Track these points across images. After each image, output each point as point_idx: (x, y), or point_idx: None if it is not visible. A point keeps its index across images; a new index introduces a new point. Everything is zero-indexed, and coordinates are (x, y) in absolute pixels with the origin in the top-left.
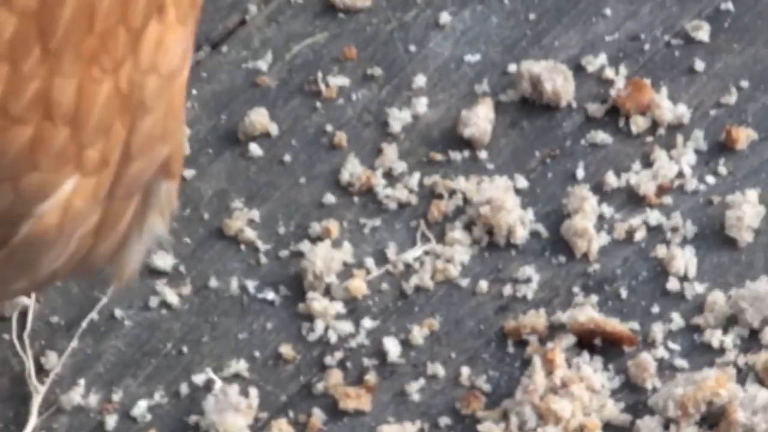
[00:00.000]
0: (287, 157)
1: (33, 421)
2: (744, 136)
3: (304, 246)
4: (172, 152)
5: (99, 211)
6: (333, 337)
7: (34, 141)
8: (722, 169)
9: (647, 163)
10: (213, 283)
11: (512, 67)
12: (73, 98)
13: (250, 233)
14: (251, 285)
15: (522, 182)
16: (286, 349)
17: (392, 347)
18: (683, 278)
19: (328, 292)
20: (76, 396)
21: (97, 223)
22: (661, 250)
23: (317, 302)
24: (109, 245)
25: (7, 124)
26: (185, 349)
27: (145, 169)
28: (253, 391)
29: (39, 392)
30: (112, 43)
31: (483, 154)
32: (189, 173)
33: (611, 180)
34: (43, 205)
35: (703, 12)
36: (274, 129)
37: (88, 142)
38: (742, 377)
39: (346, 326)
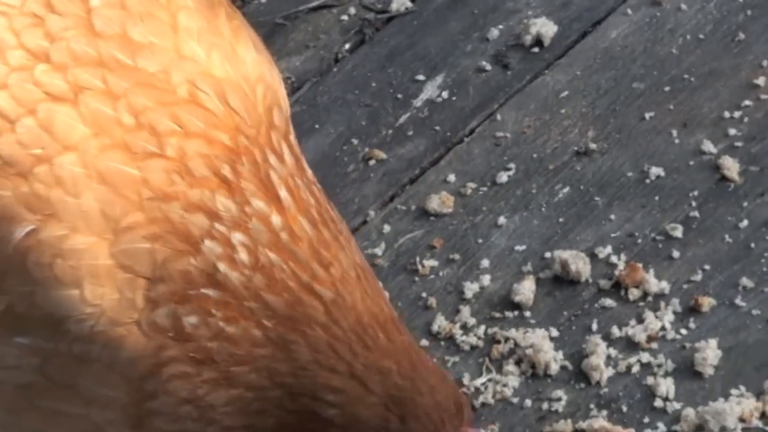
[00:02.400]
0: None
1: None
2: (706, 302)
3: None
4: None
5: None
6: None
7: None
8: (692, 325)
9: (640, 321)
10: None
11: (548, 254)
12: None
13: None
14: None
15: (555, 333)
16: None
17: None
18: (665, 399)
19: None
20: None
21: None
22: (650, 380)
23: None
24: None
25: None
26: None
27: None
28: None
29: None
30: None
31: (527, 314)
32: None
33: (615, 332)
34: None
35: (678, 217)
36: (386, 295)
37: None
38: None
39: None
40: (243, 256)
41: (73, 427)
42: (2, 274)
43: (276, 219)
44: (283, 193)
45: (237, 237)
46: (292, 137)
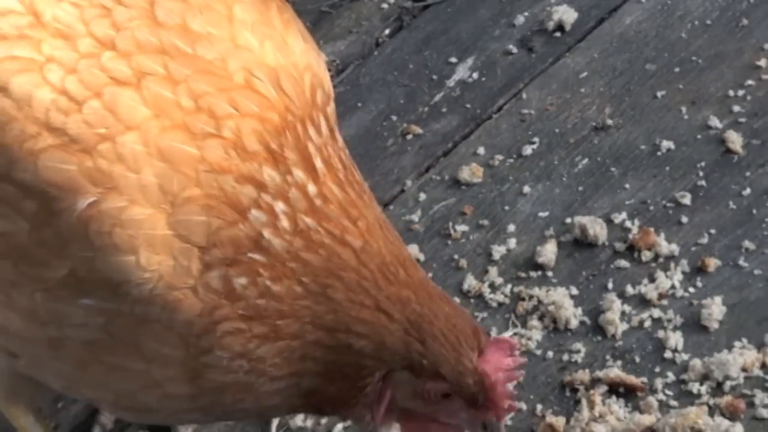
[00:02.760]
0: (430, 274)
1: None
2: (712, 263)
3: None
4: None
5: None
6: None
7: None
8: (699, 284)
9: (652, 280)
10: None
11: (568, 220)
12: None
13: None
14: None
15: (574, 291)
16: None
17: None
18: (674, 350)
19: None
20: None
21: None
22: (661, 333)
23: None
24: None
25: None
26: None
27: None
28: None
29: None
30: None
31: (550, 274)
32: None
33: (629, 290)
34: None
35: (686, 186)
36: (421, 257)
37: None
38: (711, 412)
39: None
40: (284, 223)
41: (133, 382)
42: (66, 241)
43: (312, 188)
44: (318, 163)
45: (280, 206)
46: (330, 108)
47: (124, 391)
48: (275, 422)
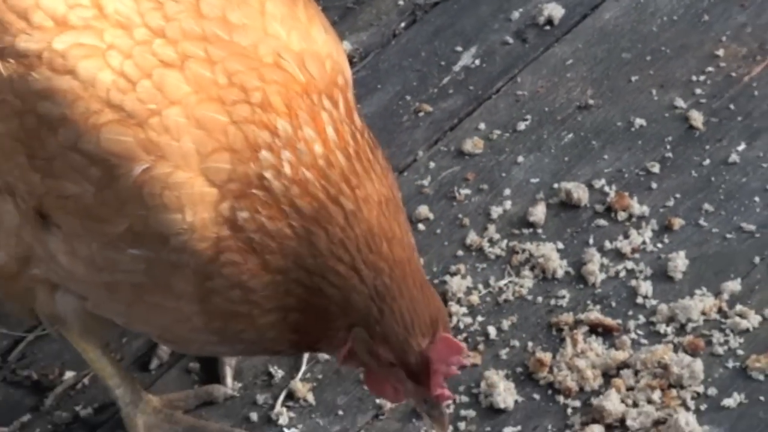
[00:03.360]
0: (438, 231)
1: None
2: (678, 222)
3: (447, 278)
4: None
5: None
6: (461, 325)
7: None
8: (666, 240)
9: (626, 236)
10: None
11: (556, 185)
12: None
13: None
14: None
15: (560, 246)
16: None
17: (492, 331)
18: (645, 297)
19: (459, 301)
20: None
21: None
22: (633, 282)
23: (453, 307)
24: None
25: None
26: None
27: None
28: None
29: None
30: None
31: (540, 231)
32: None
33: (607, 245)
34: None
35: (655, 157)
36: (431, 216)
37: None
38: (676, 349)
39: (468, 320)
40: (287, 170)
41: (169, 317)
42: (124, 202)
43: (318, 148)
44: (330, 131)
45: (286, 154)
46: (350, 93)
47: (164, 325)
48: (306, 356)
